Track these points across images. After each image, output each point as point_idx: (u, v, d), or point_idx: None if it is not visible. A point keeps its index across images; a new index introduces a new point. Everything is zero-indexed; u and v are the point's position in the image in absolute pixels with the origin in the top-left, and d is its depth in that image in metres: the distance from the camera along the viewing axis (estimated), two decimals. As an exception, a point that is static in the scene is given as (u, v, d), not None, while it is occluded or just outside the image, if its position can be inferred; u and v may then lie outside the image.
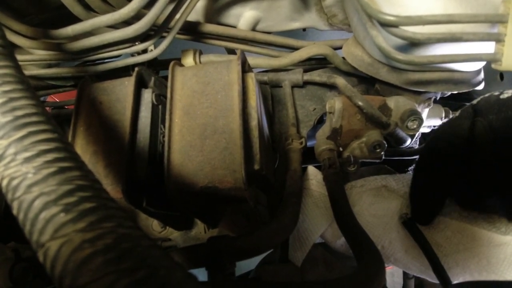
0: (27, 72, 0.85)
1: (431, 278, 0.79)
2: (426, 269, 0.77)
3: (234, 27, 0.92)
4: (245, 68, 0.70)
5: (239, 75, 0.64)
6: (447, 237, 0.75)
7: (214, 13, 0.91)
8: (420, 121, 0.82)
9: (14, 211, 0.28)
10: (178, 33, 0.80)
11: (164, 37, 0.78)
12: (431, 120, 0.98)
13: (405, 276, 1.20)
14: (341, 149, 0.86)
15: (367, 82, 0.92)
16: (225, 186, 0.59)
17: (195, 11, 0.89)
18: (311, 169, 0.85)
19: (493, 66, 0.62)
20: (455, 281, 0.76)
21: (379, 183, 0.81)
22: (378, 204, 0.79)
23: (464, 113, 0.67)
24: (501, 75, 0.93)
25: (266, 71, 0.93)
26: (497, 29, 0.60)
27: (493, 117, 0.63)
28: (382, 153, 0.84)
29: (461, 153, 0.67)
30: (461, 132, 0.66)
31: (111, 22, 0.66)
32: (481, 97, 0.67)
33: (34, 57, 0.80)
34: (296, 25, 0.95)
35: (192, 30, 0.86)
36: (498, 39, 0.60)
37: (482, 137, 0.63)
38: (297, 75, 0.89)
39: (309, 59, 0.91)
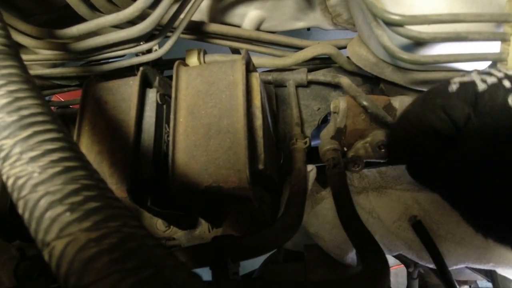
0: (32, 72, 0.85)
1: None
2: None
3: (239, 26, 0.92)
4: (250, 67, 0.70)
5: (243, 75, 0.64)
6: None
7: (218, 12, 0.91)
8: (425, 121, 0.81)
9: (20, 210, 0.28)
10: (182, 33, 0.81)
11: (168, 36, 0.78)
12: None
13: (409, 276, 1.20)
14: (345, 149, 0.86)
15: (372, 82, 0.92)
16: (229, 185, 0.59)
17: (200, 11, 0.89)
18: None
19: (498, 66, 0.62)
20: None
21: (378, 183, 0.80)
22: (381, 204, 0.78)
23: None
24: (507, 74, 0.92)
25: (271, 71, 0.93)
26: (503, 29, 0.60)
27: None
28: (387, 153, 0.83)
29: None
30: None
31: (116, 22, 0.66)
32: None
33: (39, 56, 0.80)
34: (300, 24, 0.95)
35: (196, 30, 0.86)
36: (504, 38, 0.60)
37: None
38: (301, 75, 0.89)
39: (314, 59, 0.91)
